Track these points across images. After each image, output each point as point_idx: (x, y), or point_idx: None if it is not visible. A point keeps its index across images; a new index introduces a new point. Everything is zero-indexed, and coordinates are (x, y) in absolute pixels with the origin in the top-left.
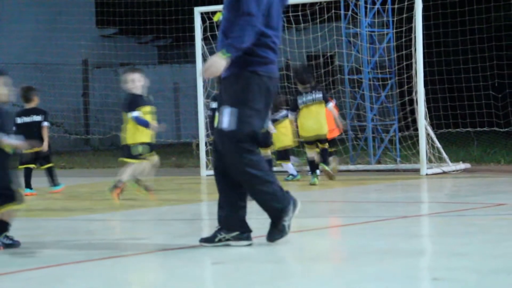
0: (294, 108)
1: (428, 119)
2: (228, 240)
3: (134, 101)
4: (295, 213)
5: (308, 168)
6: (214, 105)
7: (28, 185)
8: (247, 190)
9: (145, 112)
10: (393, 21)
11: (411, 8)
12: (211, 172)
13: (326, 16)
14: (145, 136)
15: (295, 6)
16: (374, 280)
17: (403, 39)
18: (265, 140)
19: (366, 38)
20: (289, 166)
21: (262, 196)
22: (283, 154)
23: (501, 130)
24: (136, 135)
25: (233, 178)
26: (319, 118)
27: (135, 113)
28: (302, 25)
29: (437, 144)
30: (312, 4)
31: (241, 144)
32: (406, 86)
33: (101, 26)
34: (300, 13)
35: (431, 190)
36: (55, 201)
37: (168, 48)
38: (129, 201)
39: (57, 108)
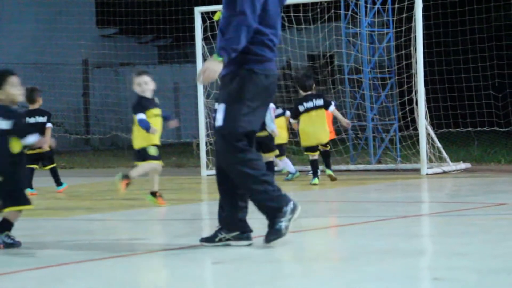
0: (296, 115)
1: (428, 118)
2: (228, 240)
3: (141, 104)
4: (294, 217)
5: (309, 168)
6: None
7: (29, 185)
8: (242, 189)
9: (153, 115)
10: (393, 20)
11: (411, 7)
12: (212, 172)
13: (326, 16)
14: (155, 138)
15: (296, 6)
16: (374, 280)
17: (403, 39)
18: (268, 144)
19: (366, 38)
20: (285, 162)
21: (257, 195)
22: (279, 150)
23: (501, 129)
24: (148, 137)
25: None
26: (320, 125)
27: (140, 116)
28: (303, 26)
29: (438, 143)
30: (313, 4)
31: (235, 143)
32: (406, 86)
33: (101, 26)
34: (301, 14)
35: (432, 190)
36: (56, 201)
37: (168, 48)
38: (129, 201)
39: (57, 108)
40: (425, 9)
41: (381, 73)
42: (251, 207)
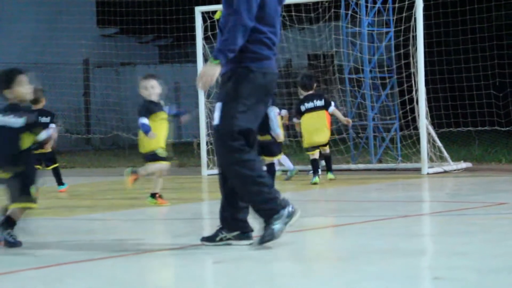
0: (298, 114)
1: (429, 118)
2: (229, 239)
3: (147, 108)
4: (291, 222)
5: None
6: None
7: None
8: (237, 190)
9: (159, 119)
10: (393, 20)
11: (411, 7)
12: (212, 171)
13: (327, 16)
14: (161, 141)
15: (297, 5)
16: (374, 279)
17: (402, 37)
18: (270, 148)
19: (366, 37)
20: (283, 158)
21: (252, 197)
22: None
23: (502, 129)
24: (154, 140)
25: None
26: (320, 125)
27: (142, 120)
28: (305, 26)
29: (438, 143)
30: (314, 4)
31: (231, 142)
32: (405, 85)
33: (102, 25)
34: (303, 14)
35: (432, 189)
36: (56, 201)
37: (169, 47)
38: (130, 200)
39: (58, 108)
40: (425, 8)
41: (382, 72)
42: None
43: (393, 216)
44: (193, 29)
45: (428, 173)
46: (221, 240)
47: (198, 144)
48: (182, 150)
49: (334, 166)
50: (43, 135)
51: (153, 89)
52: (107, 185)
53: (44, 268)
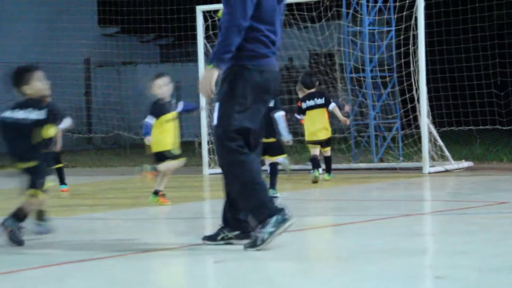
0: (299, 112)
1: (430, 117)
2: (230, 238)
3: (157, 109)
4: (279, 230)
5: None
6: None
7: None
8: (232, 190)
9: (165, 121)
10: (395, 18)
11: (412, 5)
12: (214, 170)
13: (329, 14)
14: (169, 143)
15: (299, 4)
16: (375, 279)
17: (402, 36)
18: (274, 149)
19: (367, 36)
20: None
21: (245, 199)
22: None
23: (503, 128)
24: (162, 141)
25: None
26: (320, 123)
27: (147, 119)
28: (308, 24)
29: (440, 142)
30: (316, 3)
31: (228, 143)
32: (405, 84)
33: (103, 25)
34: (305, 12)
35: (433, 189)
36: (57, 200)
37: (170, 46)
38: (131, 200)
39: (59, 107)
40: (426, 7)
41: (383, 71)
42: None
43: (394, 215)
44: (194, 28)
45: (429, 172)
46: (222, 239)
47: (200, 143)
48: (184, 149)
49: (335, 165)
50: (65, 123)
51: (166, 87)
52: (108, 185)
53: (44, 268)
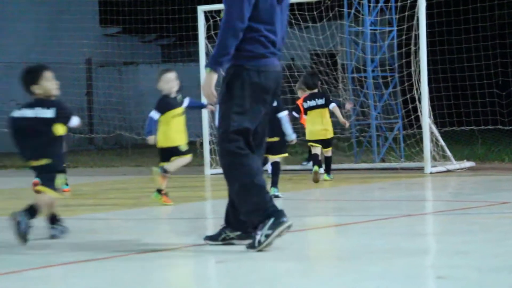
0: (298, 111)
1: (432, 117)
2: (232, 238)
3: (164, 104)
4: (277, 233)
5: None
6: None
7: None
8: (230, 192)
9: (171, 116)
10: (396, 19)
11: (414, 5)
12: (215, 170)
13: (331, 15)
14: (178, 139)
15: (300, 4)
16: (376, 279)
17: (404, 37)
18: (277, 148)
19: (369, 36)
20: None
21: (242, 201)
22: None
23: (505, 128)
24: (171, 137)
25: None
26: (321, 123)
27: (152, 114)
28: (310, 23)
29: (441, 142)
30: (317, 3)
31: (227, 144)
32: (407, 84)
33: (104, 25)
34: (306, 12)
35: (435, 189)
36: (59, 200)
37: (172, 47)
38: (132, 200)
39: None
40: (428, 7)
41: (385, 71)
42: None
43: (395, 215)
44: (195, 28)
45: (431, 172)
46: (224, 239)
47: (201, 144)
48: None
49: (337, 165)
50: (74, 121)
51: (173, 82)
52: (110, 185)
53: (46, 268)
